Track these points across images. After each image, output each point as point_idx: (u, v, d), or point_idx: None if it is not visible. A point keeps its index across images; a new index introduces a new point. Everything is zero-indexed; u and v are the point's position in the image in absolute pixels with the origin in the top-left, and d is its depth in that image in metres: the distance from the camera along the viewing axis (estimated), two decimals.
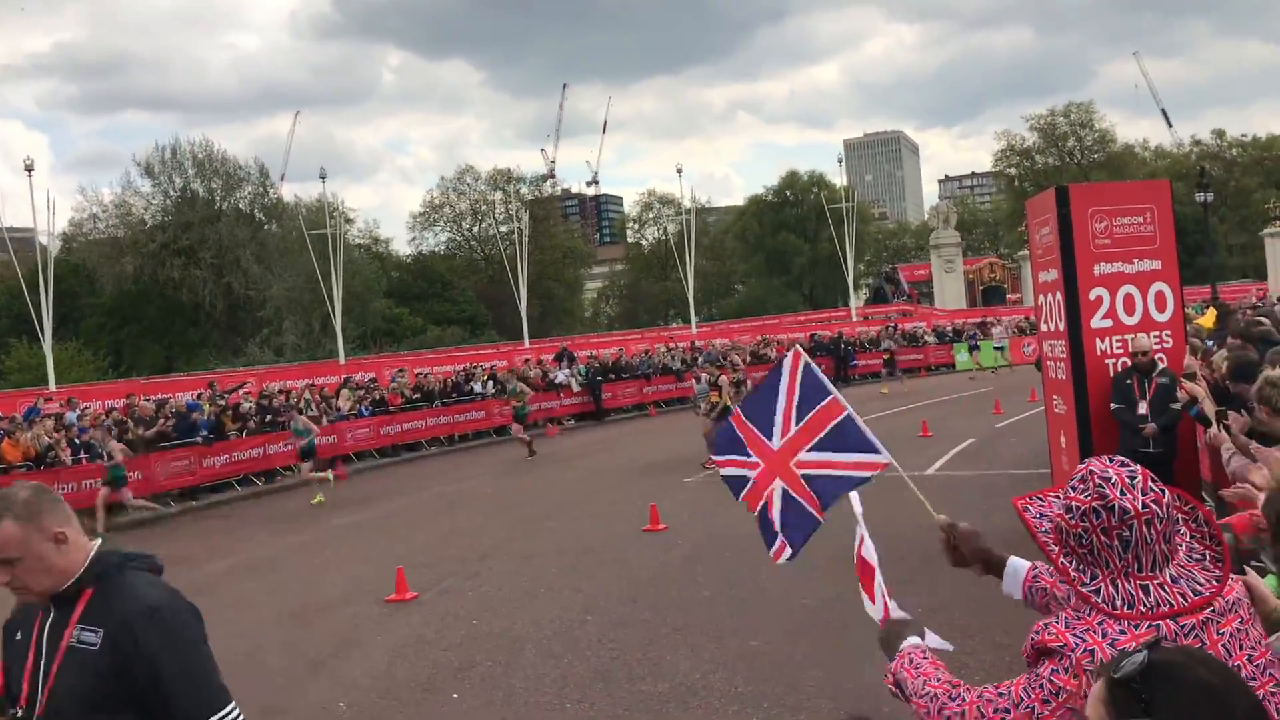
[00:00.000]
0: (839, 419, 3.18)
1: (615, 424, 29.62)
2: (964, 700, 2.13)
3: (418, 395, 27.26)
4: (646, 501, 13.92)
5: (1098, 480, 2.05)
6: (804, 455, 3.19)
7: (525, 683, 7.55)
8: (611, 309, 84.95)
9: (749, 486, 3.28)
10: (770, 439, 3.26)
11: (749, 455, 3.27)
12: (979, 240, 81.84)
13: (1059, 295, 10.57)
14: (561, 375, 30.90)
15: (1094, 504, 2.03)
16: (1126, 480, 2.04)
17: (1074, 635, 1.98)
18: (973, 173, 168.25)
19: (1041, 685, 2.00)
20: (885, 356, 36.20)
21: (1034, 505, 2.22)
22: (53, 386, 30.77)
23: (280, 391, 25.20)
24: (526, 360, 32.84)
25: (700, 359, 30.29)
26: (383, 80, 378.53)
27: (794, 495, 3.17)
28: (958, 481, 14.61)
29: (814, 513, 3.16)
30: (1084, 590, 2.03)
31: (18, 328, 48.21)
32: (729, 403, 17.81)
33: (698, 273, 55.59)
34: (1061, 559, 2.09)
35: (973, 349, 38.84)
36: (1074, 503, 2.07)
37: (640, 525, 12.97)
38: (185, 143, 62.36)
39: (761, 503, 3.24)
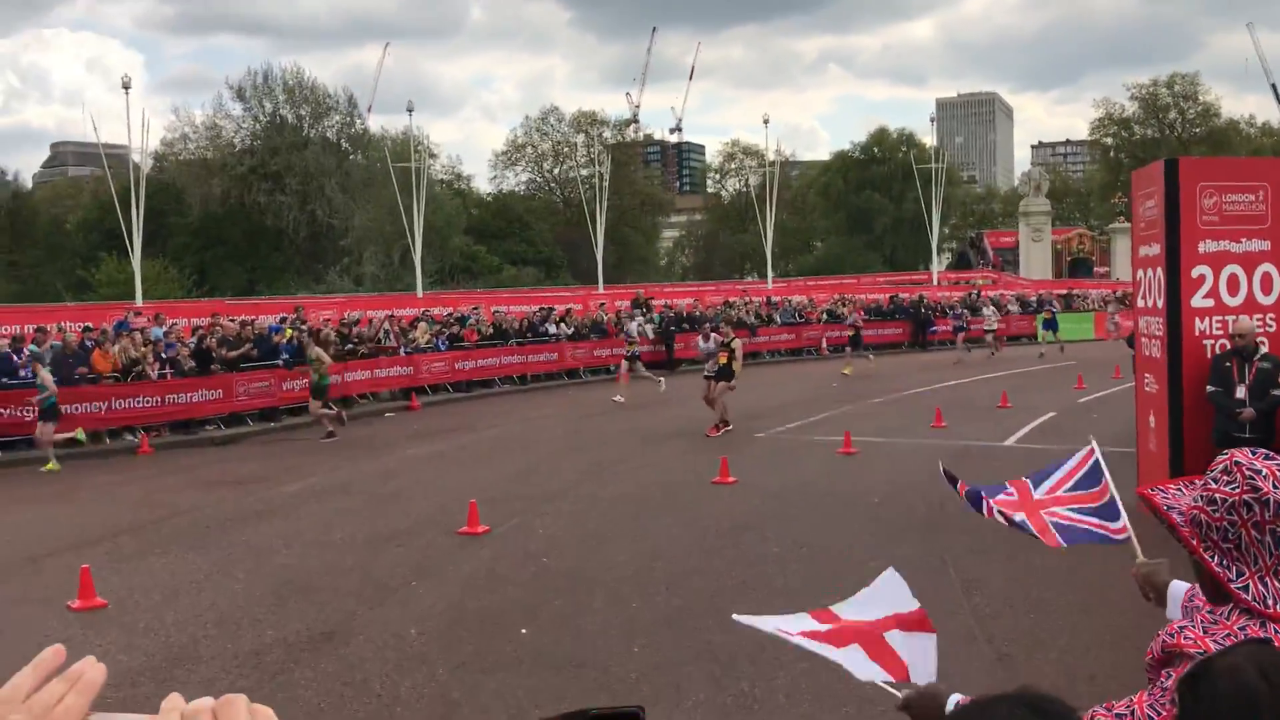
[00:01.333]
0: (1105, 500, 3.23)
1: (687, 375, 29.51)
2: None
3: (493, 333, 27.46)
4: (717, 453, 13.90)
5: (1246, 473, 1.94)
6: (1056, 508, 3.24)
7: (594, 624, 7.60)
8: (687, 259, 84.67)
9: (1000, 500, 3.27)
10: (1035, 491, 3.30)
11: (1008, 492, 3.30)
12: (1069, 210, 79.85)
13: (1160, 271, 10.25)
14: (634, 325, 30.85)
15: (1245, 497, 1.92)
16: (1278, 473, 1.94)
17: (1214, 641, 1.87)
18: (1067, 140, 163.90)
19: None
20: (851, 332, 29.46)
21: (1158, 497, 2.12)
22: (139, 301, 31.53)
23: (359, 320, 25.55)
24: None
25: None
26: (470, 15, 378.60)
27: (1029, 526, 3.20)
28: (1036, 455, 14.34)
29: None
30: (1233, 588, 1.92)
31: (108, 242, 49.43)
32: (737, 369, 17.13)
33: (777, 227, 55.02)
34: (1203, 552, 1.99)
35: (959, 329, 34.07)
36: (1219, 495, 1.95)
37: (710, 476, 12.95)
38: (277, 68, 63.03)
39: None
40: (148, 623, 7.90)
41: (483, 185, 77.96)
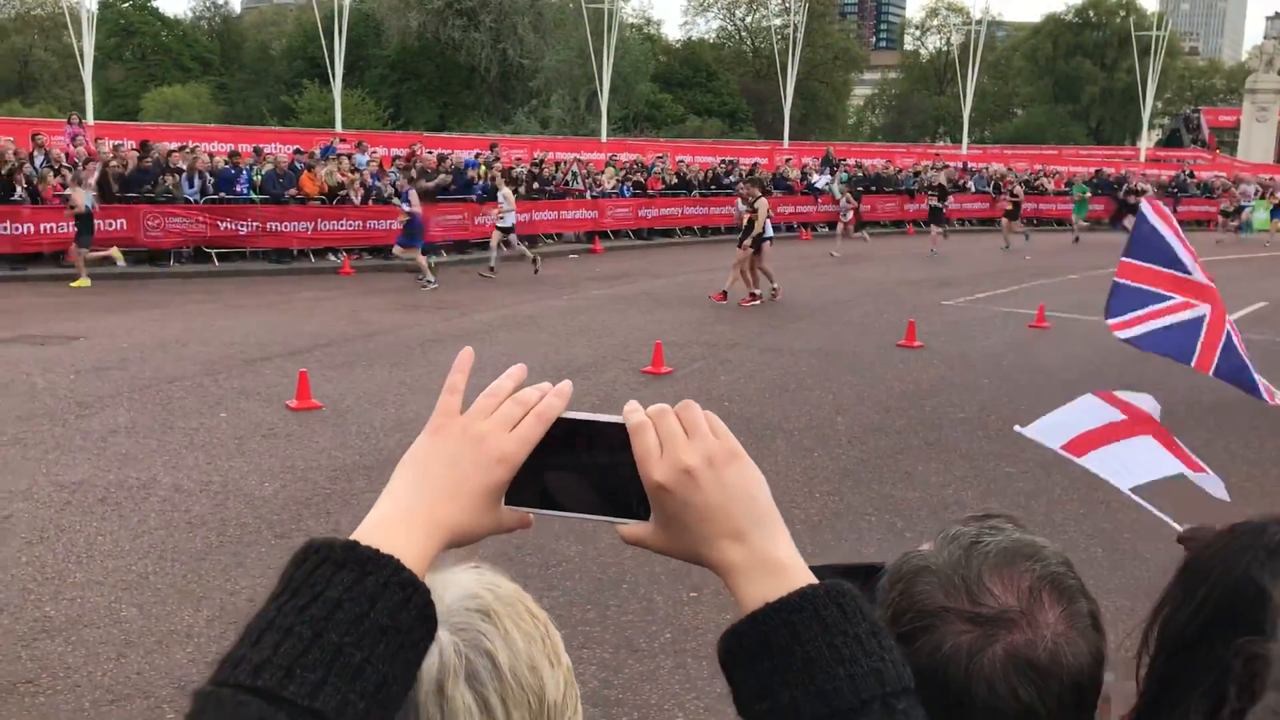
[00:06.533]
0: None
1: (872, 237, 28.99)
2: None
3: (676, 183, 27.42)
4: (902, 317, 13.73)
5: None
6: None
7: (776, 468, 7.75)
8: (877, 119, 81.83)
9: (1201, 337, 3.17)
10: (1190, 273, 3.15)
11: (1167, 297, 3.14)
12: None
13: None
14: (821, 180, 30.28)
15: None
16: None
17: None
18: None
19: None
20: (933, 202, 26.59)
21: None
22: (339, 129, 32.63)
23: (548, 160, 25.86)
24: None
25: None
26: None
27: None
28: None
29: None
30: None
31: (310, 70, 51.03)
32: (761, 230, 15.86)
33: (976, 91, 52.43)
34: None
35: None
36: None
37: (895, 339, 12.83)
38: None
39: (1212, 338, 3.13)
40: (359, 426, 8.47)
41: (672, 31, 76.82)
